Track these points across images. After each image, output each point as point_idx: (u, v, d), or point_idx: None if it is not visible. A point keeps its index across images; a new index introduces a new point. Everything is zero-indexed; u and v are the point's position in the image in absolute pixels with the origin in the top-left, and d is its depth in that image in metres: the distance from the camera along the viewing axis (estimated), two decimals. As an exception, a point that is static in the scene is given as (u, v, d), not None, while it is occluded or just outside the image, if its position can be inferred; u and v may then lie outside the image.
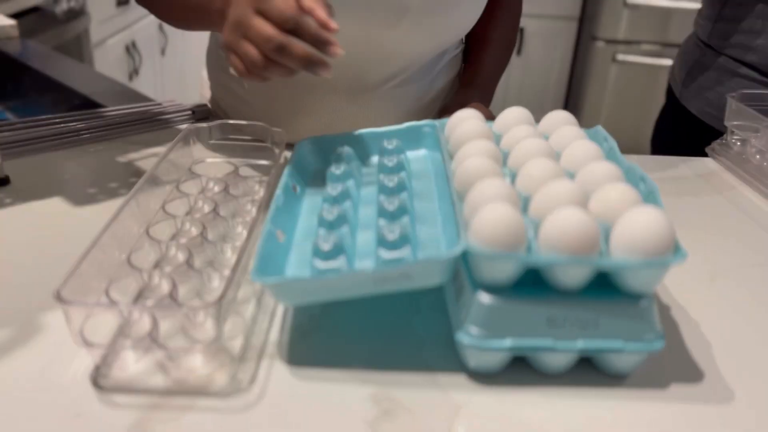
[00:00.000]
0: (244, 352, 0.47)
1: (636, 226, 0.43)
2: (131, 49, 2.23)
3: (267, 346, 0.48)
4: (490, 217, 0.42)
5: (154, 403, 0.42)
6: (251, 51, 0.53)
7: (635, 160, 0.84)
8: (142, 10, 2.50)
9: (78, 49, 1.93)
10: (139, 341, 0.44)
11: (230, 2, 0.57)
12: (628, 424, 0.42)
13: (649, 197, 0.48)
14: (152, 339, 0.43)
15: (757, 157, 0.80)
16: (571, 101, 2.78)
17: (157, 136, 0.84)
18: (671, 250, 0.43)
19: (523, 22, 2.57)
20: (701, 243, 0.65)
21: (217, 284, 0.51)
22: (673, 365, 0.48)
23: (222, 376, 0.44)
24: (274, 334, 0.49)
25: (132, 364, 0.45)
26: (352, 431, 0.41)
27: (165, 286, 0.50)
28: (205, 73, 0.92)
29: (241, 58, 0.55)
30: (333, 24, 0.52)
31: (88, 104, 1.14)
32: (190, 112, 0.90)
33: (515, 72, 2.71)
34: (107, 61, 2.08)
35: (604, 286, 0.44)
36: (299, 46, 0.52)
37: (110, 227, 0.51)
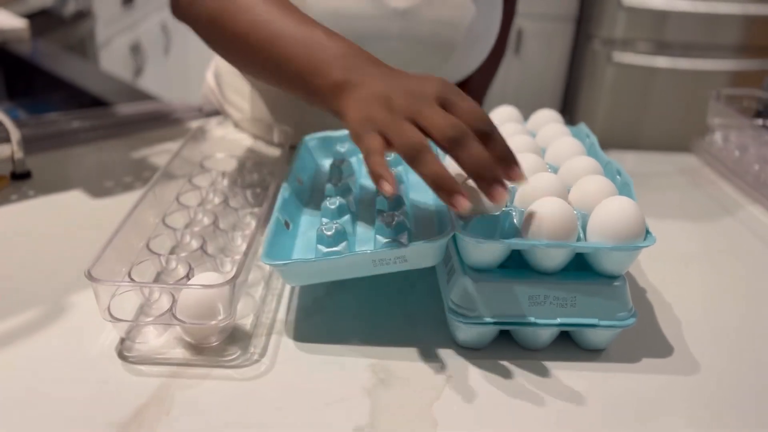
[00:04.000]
0: (255, 328, 0.51)
1: (610, 213, 0.48)
2: (135, 48, 2.28)
3: (275, 324, 0.52)
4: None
5: (174, 372, 0.46)
6: (416, 135, 0.45)
7: (623, 156, 0.89)
8: (146, 10, 2.53)
9: (84, 49, 1.98)
10: (160, 317, 0.48)
11: (366, 79, 0.50)
12: (604, 393, 0.47)
13: (624, 189, 0.53)
14: (172, 315, 0.47)
15: (737, 153, 0.84)
16: (568, 100, 2.82)
17: (167, 133, 0.89)
18: (641, 236, 0.47)
19: (521, 22, 2.60)
20: (678, 232, 0.70)
21: (229, 268, 0.56)
22: (646, 341, 0.52)
23: (235, 350, 0.49)
24: (282, 313, 0.54)
25: (153, 339, 0.49)
26: (352, 397, 0.45)
27: (181, 270, 0.55)
28: (210, 77, 0.96)
29: (395, 140, 0.46)
30: (519, 172, 0.46)
31: (97, 103, 1.19)
32: (198, 110, 0.94)
33: (513, 71, 2.74)
34: (112, 60, 2.12)
35: (581, 268, 0.49)
36: (479, 149, 0.44)
37: (131, 216, 0.55)
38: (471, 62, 0.81)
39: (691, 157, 0.91)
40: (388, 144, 0.46)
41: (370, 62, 0.53)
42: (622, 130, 2.67)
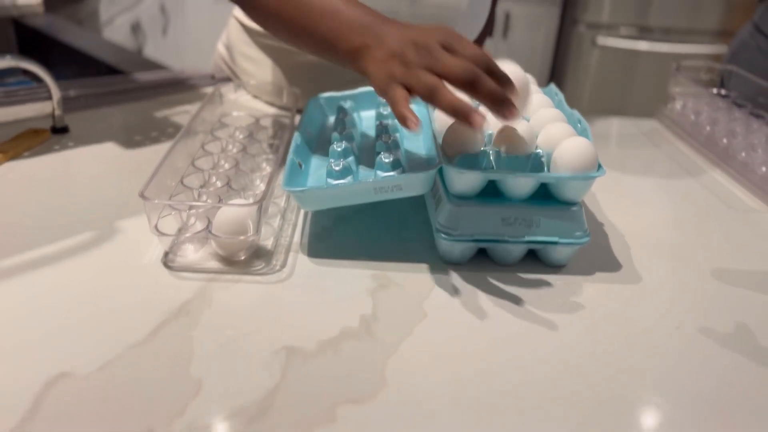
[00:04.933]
0: (275, 248, 0.62)
1: (569, 150, 0.58)
2: (136, 27, 2.36)
3: (291, 245, 0.63)
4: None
5: (212, 278, 0.57)
6: (431, 79, 0.54)
7: (591, 119, 0.99)
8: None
9: (89, 27, 2.05)
10: (199, 233, 0.58)
11: (381, 40, 0.59)
12: (564, 296, 0.58)
13: (583, 133, 0.63)
14: (209, 232, 0.58)
15: (692, 117, 0.95)
16: (554, 82, 2.91)
17: (184, 98, 0.98)
18: (594, 168, 0.58)
19: (509, 6, 2.69)
20: (634, 180, 0.81)
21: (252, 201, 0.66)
22: (600, 260, 0.63)
23: (260, 263, 0.59)
24: (297, 237, 0.64)
25: (191, 254, 0.60)
26: (358, 296, 0.56)
27: (211, 202, 0.64)
28: (221, 47, 1.06)
29: (415, 86, 0.55)
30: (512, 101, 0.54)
31: (111, 72, 1.28)
32: (210, 78, 1.04)
33: (500, 54, 2.83)
34: (115, 39, 2.20)
35: (545, 196, 0.60)
36: (491, 83, 0.53)
37: (166, 159, 0.65)
38: None
39: (654, 122, 1.01)
40: (410, 91, 0.56)
41: (381, 22, 0.61)
42: (606, 111, 2.77)
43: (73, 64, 1.39)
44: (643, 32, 2.70)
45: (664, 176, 0.84)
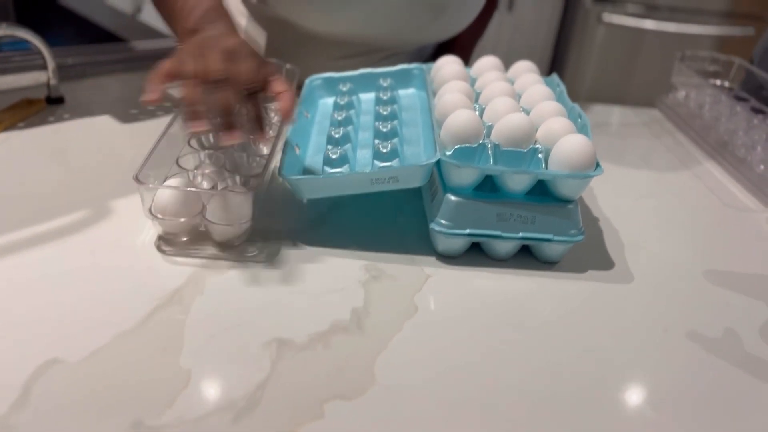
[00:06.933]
0: (269, 234, 0.61)
1: (568, 147, 0.58)
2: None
3: (286, 232, 0.62)
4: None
5: (205, 264, 0.57)
6: (201, 66, 0.57)
7: (594, 108, 0.98)
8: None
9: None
10: (194, 218, 0.58)
11: (206, 29, 0.63)
12: (555, 294, 0.58)
13: (583, 129, 0.63)
14: (203, 216, 0.57)
15: (693, 108, 0.94)
16: (559, 58, 2.89)
17: (182, 69, 0.97)
18: (593, 167, 0.58)
19: (515, -22, 2.63)
20: (631, 173, 0.80)
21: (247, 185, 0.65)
22: (593, 257, 0.63)
23: (254, 249, 0.59)
24: (291, 225, 0.64)
25: (185, 238, 0.59)
26: (350, 287, 0.56)
27: (206, 184, 0.64)
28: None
29: (184, 65, 0.58)
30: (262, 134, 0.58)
31: (109, 38, 1.26)
32: (209, 50, 1.02)
33: (505, 28, 2.80)
34: (114, 3, 2.16)
35: (542, 193, 0.59)
36: (231, 95, 0.55)
37: (165, 135, 0.64)
38: (460, 22, 0.90)
39: (654, 111, 1.01)
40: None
41: (217, 17, 0.64)
42: (610, 87, 2.75)
43: (71, 28, 1.37)
44: (650, 10, 2.66)
45: (662, 170, 0.84)
